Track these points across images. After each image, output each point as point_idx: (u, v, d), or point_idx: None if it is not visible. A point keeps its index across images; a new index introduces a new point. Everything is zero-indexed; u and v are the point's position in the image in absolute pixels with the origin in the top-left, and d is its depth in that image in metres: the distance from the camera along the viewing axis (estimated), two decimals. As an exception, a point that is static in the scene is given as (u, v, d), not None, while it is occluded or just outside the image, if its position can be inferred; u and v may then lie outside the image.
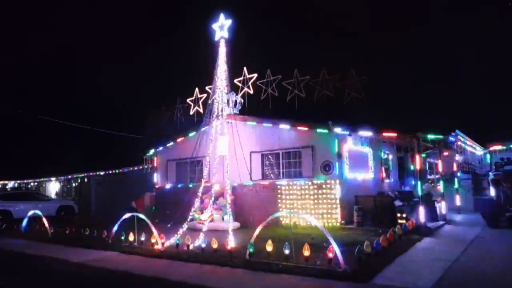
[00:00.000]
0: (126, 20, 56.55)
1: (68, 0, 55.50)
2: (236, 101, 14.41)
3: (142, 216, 9.85)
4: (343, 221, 11.76)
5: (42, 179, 32.72)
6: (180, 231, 9.97)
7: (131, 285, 6.70)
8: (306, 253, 6.89)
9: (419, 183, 11.46)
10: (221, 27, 13.35)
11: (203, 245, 8.53)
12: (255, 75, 15.36)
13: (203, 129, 14.02)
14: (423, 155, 15.09)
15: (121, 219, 10.19)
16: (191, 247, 8.71)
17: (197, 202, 13.42)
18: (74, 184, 28.30)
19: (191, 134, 15.79)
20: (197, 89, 17.17)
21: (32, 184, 34.57)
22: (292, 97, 14.75)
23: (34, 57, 54.99)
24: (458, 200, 14.85)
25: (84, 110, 41.27)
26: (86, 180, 26.02)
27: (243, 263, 7.25)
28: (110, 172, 24.18)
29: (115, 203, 20.63)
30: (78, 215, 18.90)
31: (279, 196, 12.93)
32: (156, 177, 17.15)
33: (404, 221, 10.34)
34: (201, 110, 16.57)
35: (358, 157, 13.70)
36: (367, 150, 14.42)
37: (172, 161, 16.62)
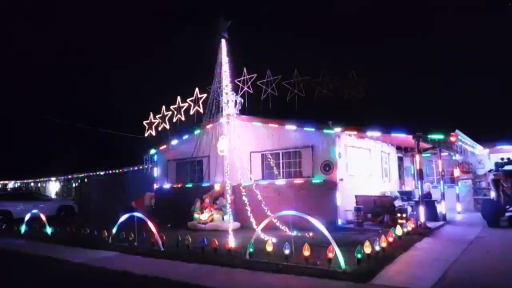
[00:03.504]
0: (127, 20, 56.57)
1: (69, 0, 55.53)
2: (236, 101, 14.40)
3: (142, 216, 9.85)
4: (343, 221, 11.76)
5: (42, 179, 32.75)
6: (180, 231, 9.97)
7: (131, 285, 6.70)
8: (306, 253, 6.89)
9: (419, 183, 11.47)
10: (222, 28, 13.35)
11: (203, 245, 8.53)
12: (255, 75, 15.37)
13: (203, 129, 14.01)
14: (423, 154, 15.07)
15: (121, 219, 10.19)
16: (191, 247, 8.72)
17: (197, 202, 13.45)
18: (74, 184, 28.31)
19: (190, 134, 15.78)
20: (197, 89, 17.18)
21: (32, 184, 34.59)
22: (292, 97, 14.76)
23: (35, 56, 55.01)
24: (458, 200, 14.85)
25: (84, 110, 41.31)
26: (86, 180, 26.03)
27: (243, 263, 7.25)
28: (110, 172, 24.19)
29: (115, 203, 20.64)
30: (78, 215, 18.90)
31: (279, 196, 12.92)
32: (156, 177, 17.15)
33: (404, 221, 10.34)
34: (201, 110, 16.57)
35: (358, 157, 13.70)
36: (367, 150, 14.42)
37: (172, 161, 16.62)
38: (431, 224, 10.98)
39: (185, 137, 16.11)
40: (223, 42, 13.34)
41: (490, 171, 13.54)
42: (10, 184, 37.45)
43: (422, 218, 10.51)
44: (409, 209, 11.38)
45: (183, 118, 17.99)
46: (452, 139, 11.82)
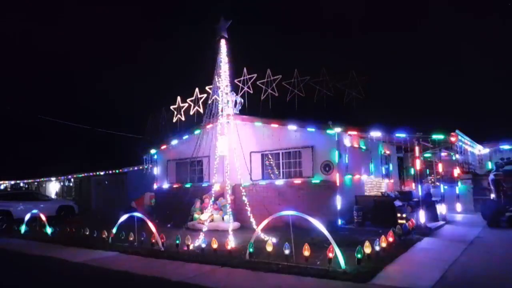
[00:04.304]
0: (126, 20, 56.56)
1: (70, 0, 55.51)
2: (236, 101, 14.40)
3: (142, 216, 9.85)
4: (343, 221, 11.75)
5: (42, 179, 32.72)
6: (180, 231, 9.97)
7: (131, 285, 6.70)
8: (306, 253, 6.89)
9: (419, 183, 11.47)
10: (221, 28, 13.34)
11: (203, 245, 8.53)
12: (255, 75, 15.36)
13: (203, 129, 14.01)
14: (424, 154, 15.09)
15: (121, 219, 10.19)
16: (191, 247, 8.71)
17: (197, 202, 13.44)
18: (74, 184, 28.30)
19: (191, 134, 15.78)
20: (197, 89, 17.18)
21: (32, 184, 34.57)
22: (292, 97, 14.75)
23: (34, 57, 54.98)
24: (458, 200, 14.85)
25: (84, 110, 41.30)
26: (86, 180, 26.02)
27: (243, 263, 7.26)
28: (110, 172, 24.17)
29: (115, 203, 20.66)
30: (78, 215, 18.89)
31: (279, 196, 12.91)
32: (156, 177, 17.15)
33: (404, 221, 10.33)
34: (201, 110, 16.57)
35: (358, 157, 13.69)
36: (367, 150, 14.42)
37: (172, 161, 16.62)
38: (431, 224, 10.98)
39: (185, 137, 16.10)
40: (223, 42, 13.35)
41: (490, 171, 13.55)
42: (10, 184, 37.43)
43: (422, 218, 10.50)
44: (409, 209, 11.37)
45: (183, 118, 17.98)
46: (452, 139, 11.82)
